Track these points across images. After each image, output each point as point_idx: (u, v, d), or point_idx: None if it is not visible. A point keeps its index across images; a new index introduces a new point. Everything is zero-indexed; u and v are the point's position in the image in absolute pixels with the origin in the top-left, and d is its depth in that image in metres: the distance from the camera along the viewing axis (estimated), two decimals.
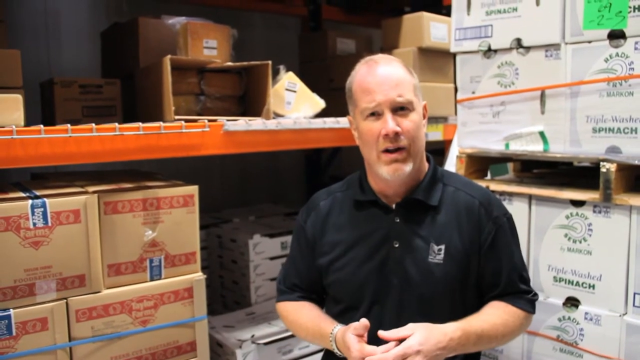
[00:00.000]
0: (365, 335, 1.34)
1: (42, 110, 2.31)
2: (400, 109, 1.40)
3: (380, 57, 1.48)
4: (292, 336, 2.31)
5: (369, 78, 1.42)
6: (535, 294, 1.54)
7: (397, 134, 1.38)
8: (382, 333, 1.31)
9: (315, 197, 1.64)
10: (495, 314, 1.44)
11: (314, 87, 2.36)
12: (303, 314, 1.56)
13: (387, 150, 1.40)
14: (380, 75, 1.41)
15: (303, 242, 1.60)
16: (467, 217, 1.47)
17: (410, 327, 1.31)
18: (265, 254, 2.67)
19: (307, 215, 1.61)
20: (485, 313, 1.44)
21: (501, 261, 1.48)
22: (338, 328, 1.42)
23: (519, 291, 1.50)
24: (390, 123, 1.37)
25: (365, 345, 1.32)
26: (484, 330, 1.38)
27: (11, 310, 1.57)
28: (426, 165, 1.53)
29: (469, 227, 1.46)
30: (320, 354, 2.29)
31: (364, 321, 1.33)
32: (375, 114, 1.41)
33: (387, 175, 1.41)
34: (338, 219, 1.55)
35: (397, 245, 1.46)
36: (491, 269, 1.47)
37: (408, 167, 1.41)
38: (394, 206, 1.48)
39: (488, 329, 1.39)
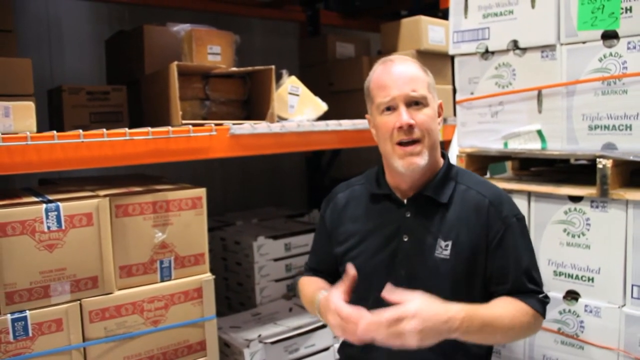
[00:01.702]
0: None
1: (50, 117, 2.35)
2: (415, 103, 1.45)
3: (395, 57, 1.56)
4: (298, 335, 2.35)
5: (385, 75, 1.49)
6: (547, 297, 1.53)
7: (410, 127, 1.43)
8: (386, 294, 1.31)
9: (336, 189, 1.71)
10: (503, 307, 1.43)
11: (314, 90, 2.41)
12: (310, 285, 1.64)
13: (401, 143, 1.45)
14: (396, 72, 1.47)
15: (322, 231, 1.69)
16: (476, 215, 1.49)
17: (415, 293, 1.30)
18: (270, 255, 2.71)
19: (326, 205, 1.69)
20: (493, 304, 1.44)
21: (508, 261, 1.48)
22: (326, 293, 1.45)
23: (528, 291, 1.49)
24: (404, 115, 1.43)
25: (344, 306, 1.32)
26: (488, 318, 1.36)
27: (27, 311, 1.61)
28: (441, 162, 1.57)
29: (477, 226, 1.48)
30: (327, 353, 2.33)
31: (352, 269, 1.37)
32: (391, 109, 1.46)
33: (402, 168, 1.46)
34: (355, 211, 1.61)
35: (406, 240, 1.51)
36: (498, 268, 1.49)
37: (423, 161, 1.45)
38: (405, 201, 1.53)
39: (494, 318, 1.37)
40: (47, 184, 2.22)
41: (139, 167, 2.69)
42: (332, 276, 1.68)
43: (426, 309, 1.26)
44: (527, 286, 1.49)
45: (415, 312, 1.25)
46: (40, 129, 1.73)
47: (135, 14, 3.02)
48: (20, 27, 2.71)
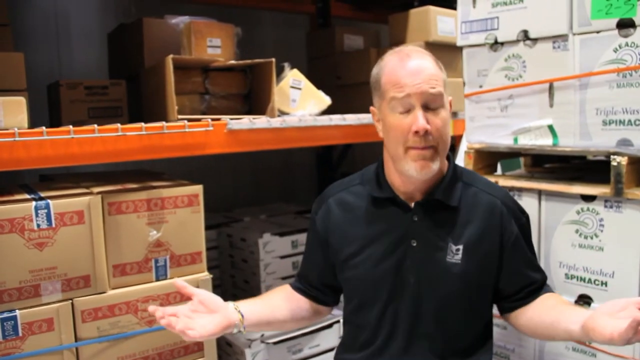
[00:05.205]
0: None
1: (50, 112, 2.33)
2: (431, 105, 1.35)
3: (411, 49, 1.43)
4: (301, 335, 2.30)
5: (400, 70, 1.35)
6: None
7: (426, 132, 1.32)
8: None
9: (328, 190, 1.60)
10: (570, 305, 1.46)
11: (321, 84, 2.35)
12: (270, 297, 1.59)
13: (414, 147, 1.35)
14: (413, 67, 1.34)
15: (313, 235, 1.59)
16: (489, 217, 1.44)
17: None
18: (276, 252, 2.66)
19: (318, 207, 1.58)
20: (566, 305, 1.44)
21: (525, 260, 1.48)
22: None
23: (544, 282, 1.53)
24: (420, 120, 1.31)
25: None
26: None
27: (17, 311, 1.58)
28: (446, 162, 1.47)
29: (491, 228, 1.43)
30: (331, 353, 2.28)
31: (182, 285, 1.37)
32: (405, 109, 1.35)
33: (413, 172, 1.35)
34: (353, 215, 1.50)
35: (414, 245, 1.43)
36: (514, 267, 1.46)
37: (435, 166, 1.36)
38: (412, 205, 1.44)
39: None
40: (47, 179, 2.20)
41: (145, 163, 2.66)
42: (317, 288, 1.61)
43: None
44: (544, 278, 1.54)
45: None
46: (41, 125, 1.70)
47: (141, 7, 2.98)
48: (28, 22, 2.71)
